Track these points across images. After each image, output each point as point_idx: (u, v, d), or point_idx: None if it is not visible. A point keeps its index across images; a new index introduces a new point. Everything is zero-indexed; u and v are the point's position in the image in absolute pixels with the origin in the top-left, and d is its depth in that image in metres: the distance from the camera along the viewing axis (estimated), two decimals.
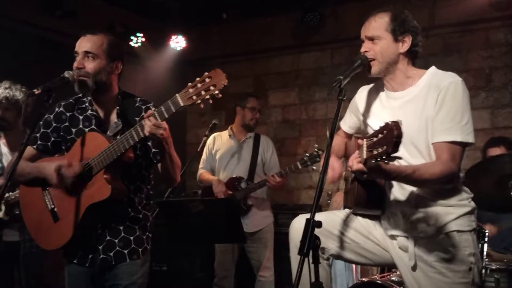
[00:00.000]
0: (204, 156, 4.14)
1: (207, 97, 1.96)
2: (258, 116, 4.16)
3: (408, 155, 2.06)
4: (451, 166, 1.95)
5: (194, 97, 1.97)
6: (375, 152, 1.68)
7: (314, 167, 3.84)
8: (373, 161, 1.72)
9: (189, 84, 2.00)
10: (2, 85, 3.15)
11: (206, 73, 1.98)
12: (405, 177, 1.91)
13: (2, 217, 3.08)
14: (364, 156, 1.76)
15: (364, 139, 1.78)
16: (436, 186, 2.05)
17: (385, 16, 2.10)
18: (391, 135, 1.61)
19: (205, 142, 4.06)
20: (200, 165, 4.16)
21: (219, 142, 4.15)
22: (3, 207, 3.07)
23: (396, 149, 1.61)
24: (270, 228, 4.10)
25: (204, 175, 4.10)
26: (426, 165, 2.00)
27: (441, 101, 1.99)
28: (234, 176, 4.00)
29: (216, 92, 1.95)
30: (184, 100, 1.99)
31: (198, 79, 1.99)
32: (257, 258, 4.03)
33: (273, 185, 3.82)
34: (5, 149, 3.25)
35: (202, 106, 1.99)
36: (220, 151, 4.12)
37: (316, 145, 3.82)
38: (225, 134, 4.16)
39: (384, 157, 1.65)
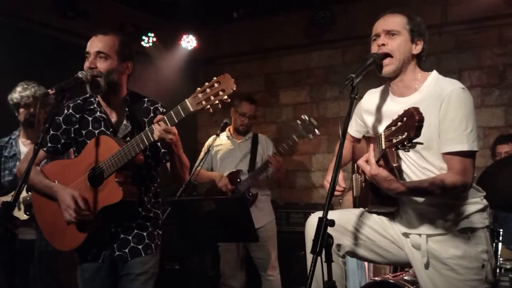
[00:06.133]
0: (202, 154, 4.08)
1: (216, 102, 1.99)
2: (247, 122, 4.09)
3: (408, 156, 2.07)
4: (464, 178, 1.94)
5: (204, 102, 2.00)
6: (394, 140, 1.70)
7: (311, 136, 3.77)
8: (393, 149, 1.74)
9: (198, 89, 2.02)
10: (30, 84, 3.19)
11: (215, 78, 2.01)
12: (416, 188, 1.94)
13: (19, 216, 3.12)
14: (383, 146, 1.76)
15: (382, 131, 1.79)
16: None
17: (402, 15, 2.11)
18: (413, 119, 1.63)
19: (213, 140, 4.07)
20: (197, 163, 4.14)
21: (218, 142, 4.14)
22: (22, 207, 3.11)
23: (418, 134, 1.64)
24: (272, 226, 4.08)
25: (203, 172, 4.04)
26: (438, 177, 1.98)
27: (444, 111, 1.98)
28: (233, 170, 4.01)
29: (225, 97, 1.99)
30: (193, 106, 2.02)
31: (207, 84, 2.01)
32: (260, 257, 4.00)
33: (275, 165, 3.77)
34: (23, 148, 3.29)
35: (211, 111, 2.03)
36: (220, 152, 4.13)
37: (304, 115, 3.75)
38: (223, 135, 4.15)
39: (405, 143, 1.67)
